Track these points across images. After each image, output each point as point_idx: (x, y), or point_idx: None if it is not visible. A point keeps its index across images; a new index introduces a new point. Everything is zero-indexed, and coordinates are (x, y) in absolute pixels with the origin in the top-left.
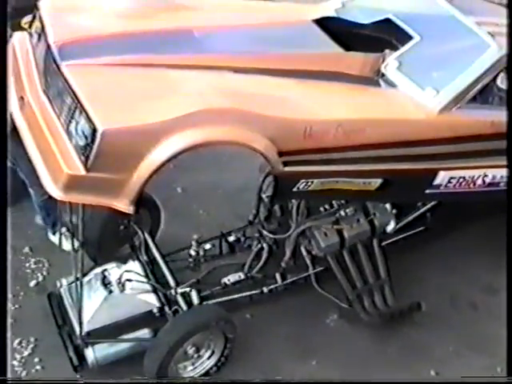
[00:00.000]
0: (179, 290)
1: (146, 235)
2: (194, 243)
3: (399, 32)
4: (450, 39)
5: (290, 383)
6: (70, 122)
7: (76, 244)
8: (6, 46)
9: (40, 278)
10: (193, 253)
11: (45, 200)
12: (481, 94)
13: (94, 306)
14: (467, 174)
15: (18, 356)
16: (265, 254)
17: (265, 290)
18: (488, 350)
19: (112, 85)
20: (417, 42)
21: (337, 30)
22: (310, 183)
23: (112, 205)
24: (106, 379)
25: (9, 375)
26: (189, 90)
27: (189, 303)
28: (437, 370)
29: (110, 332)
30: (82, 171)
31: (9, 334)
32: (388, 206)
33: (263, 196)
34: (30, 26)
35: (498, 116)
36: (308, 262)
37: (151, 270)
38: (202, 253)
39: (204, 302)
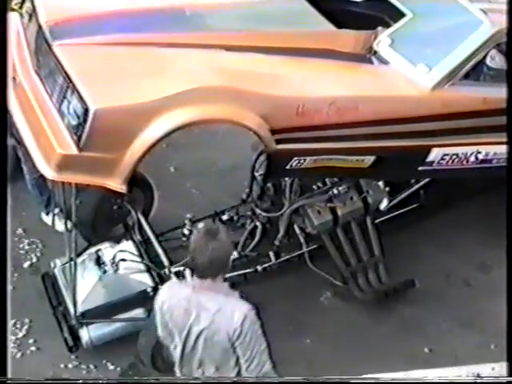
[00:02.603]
0: (173, 269)
1: (140, 215)
2: (187, 222)
3: (392, 9)
4: (443, 16)
5: (289, 383)
6: (62, 101)
7: (69, 224)
8: (6, 46)
9: (34, 259)
10: (186, 232)
11: (37, 178)
12: (473, 71)
13: (88, 287)
14: (460, 150)
15: (12, 337)
16: (258, 233)
17: (259, 268)
18: (482, 327)
19: (104, 64)
20: (409, 19)
21: (329, 7)
22: (302, 161)
23: (105, 184)
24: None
25: (9, 375)
26: (181, 69)
27: None
28: (430, 346)
29: (105, 312)
30: (74, 151)
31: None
32: (381, 183)
33: (256, 174)
34: (21, 7)
35: (491, 93)
36: (302, 240)
37: (145, 249)
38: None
39: None
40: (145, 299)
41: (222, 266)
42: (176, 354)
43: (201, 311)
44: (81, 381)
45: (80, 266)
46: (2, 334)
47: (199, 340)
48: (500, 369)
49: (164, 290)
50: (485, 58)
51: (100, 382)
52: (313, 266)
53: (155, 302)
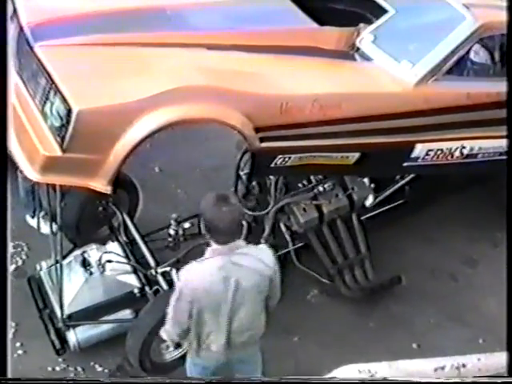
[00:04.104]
0: (159, 270)
1: (125, 216)
2: (172, 222)
3: (374, 5)
4: (425, 12)
5: (288, 383)
6: (44, 103)
7: (54, 227)
8: (7, 47)
9: (19, 263)
10: (172, 232)
11: (33, 185)
12: (457, 66)
13: (74, 289)
14: (445, 146)
15: None
16: (244, 231)
17: None
18: (469, 322)
19: (86, 65)
20: (392, 16)
21: (311, 4)
22: (287, 159)
23: (89, 185)
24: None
25: (9, 375)
26: (164, 68)
27: (169, 282)
28: (418, 342)
29: (92, 314)
30: (58, 152)
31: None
32: (366, 180)
33: (241, 173)
34: None
35: (474, 87)
36: (288, 238)
37: (131, 250)
38: (181, 232)
39: None
40: (132, 300)
41: (239, 227)
42: (214, 325)
43: (240, 273)
44: (82, 381)
45: (66, 269)
46: (2, 333)
47: (245, 298)
48: (485, 360)
49: (188, 276)
50: (468, 52)
51: (98, 381)
52: (299, 264)
53: (180, 287)
